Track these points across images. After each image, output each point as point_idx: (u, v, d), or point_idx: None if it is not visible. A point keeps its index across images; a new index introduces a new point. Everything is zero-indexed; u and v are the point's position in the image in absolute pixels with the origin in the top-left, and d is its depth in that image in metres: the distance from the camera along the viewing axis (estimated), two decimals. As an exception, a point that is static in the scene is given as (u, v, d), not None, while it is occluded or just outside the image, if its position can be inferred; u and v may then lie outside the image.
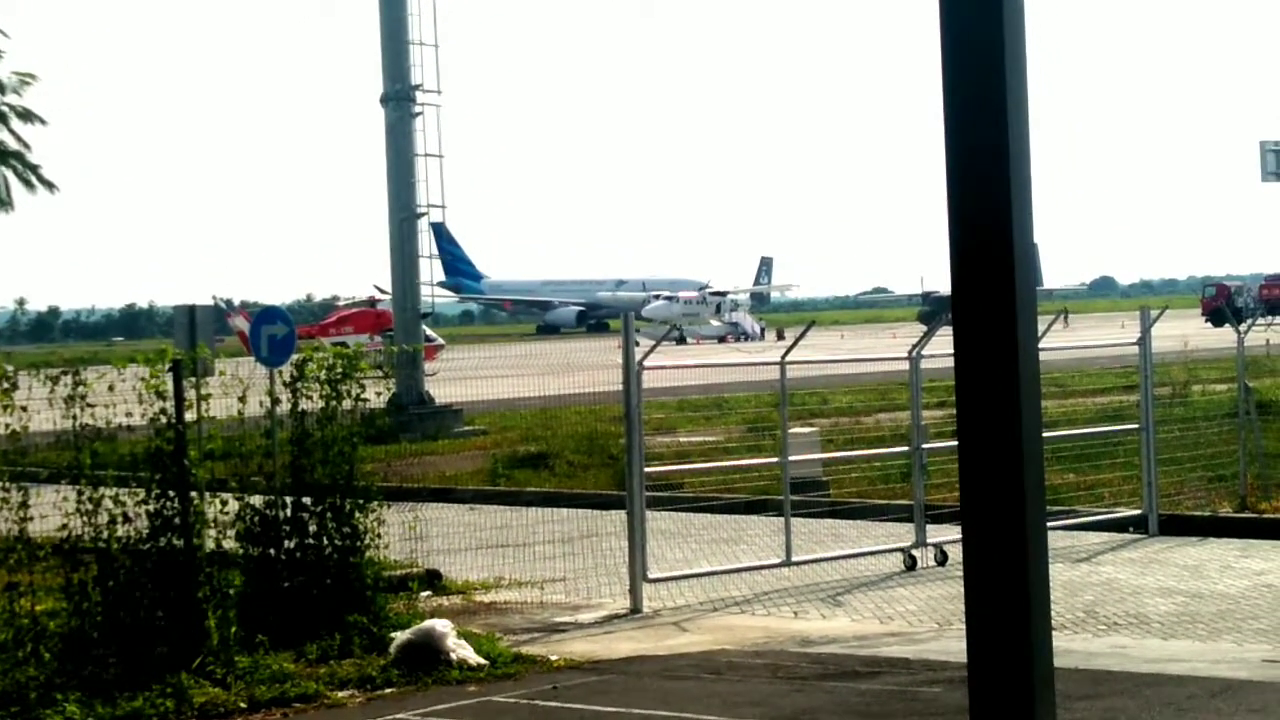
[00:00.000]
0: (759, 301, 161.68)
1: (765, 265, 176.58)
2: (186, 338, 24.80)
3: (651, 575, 19.89)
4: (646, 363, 20.61)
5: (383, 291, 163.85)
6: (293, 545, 17.76)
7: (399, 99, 45.03)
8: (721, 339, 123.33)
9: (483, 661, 16.12)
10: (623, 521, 20.64)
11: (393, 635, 16.54)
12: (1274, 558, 21.20)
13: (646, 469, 20.68)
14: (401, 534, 20.98)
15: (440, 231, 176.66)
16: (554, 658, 16.58)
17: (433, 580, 21.00)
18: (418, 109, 45.14)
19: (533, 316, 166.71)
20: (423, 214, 45.08)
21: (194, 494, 16.44)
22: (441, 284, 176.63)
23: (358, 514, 17.91)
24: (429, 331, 57.18)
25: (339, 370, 18.32)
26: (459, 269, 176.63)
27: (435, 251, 45.56)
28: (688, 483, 27.98)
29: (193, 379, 17.47)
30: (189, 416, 16.93)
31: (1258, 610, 17.72)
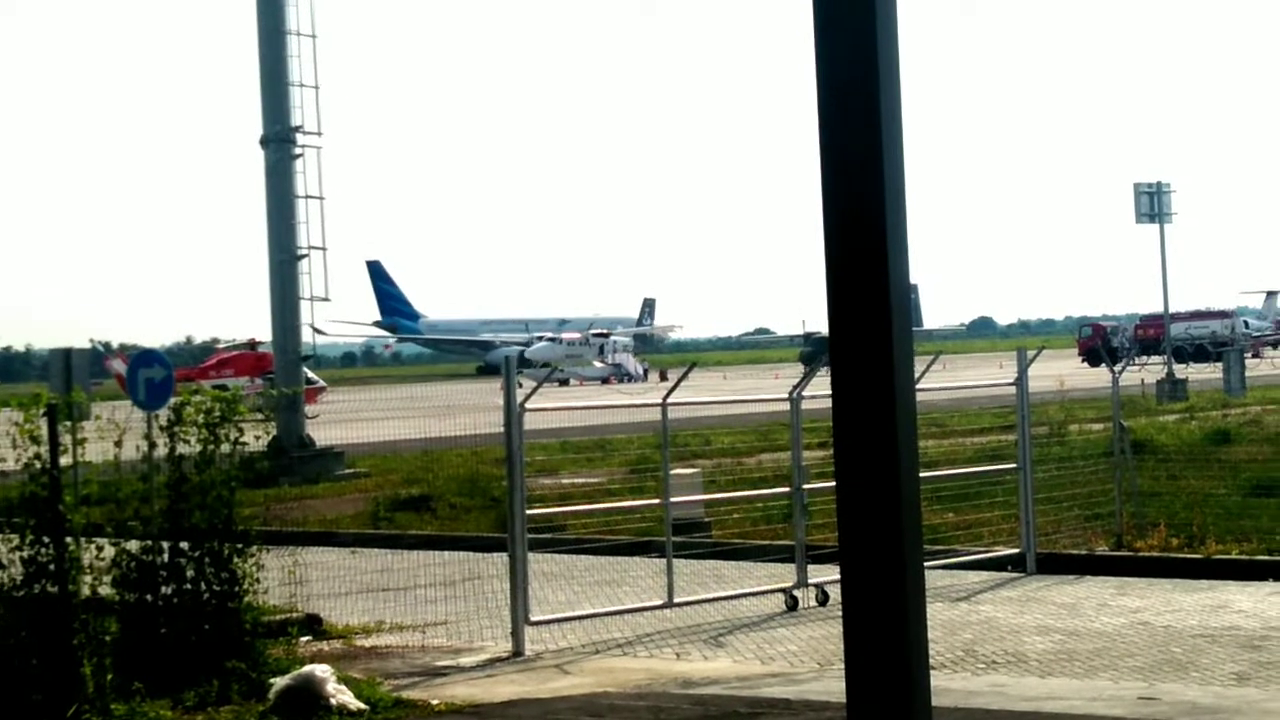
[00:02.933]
0: (642, 343, 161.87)
1: (648, 306, 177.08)
2: (62, 381, 24.55)
3: (533, 618, 19.83)
4: (528, 404, 20.59)
5: (319, 332, 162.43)
6: (170, 591, 17.55)
7: (279, 140, 44.85)
8: (604, 380, 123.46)
9: (363, 707, 15.99)
10: (505, 564, 20.56)
11: (272, 681, 16.37)
12: (1149, 595, 21.44)
13: (528, 511, 20.65)
14: (281, 578, 20.78)
15: (377, 271, 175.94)
16: (435, 702, 16.48)
17: (313, 625, 20.81)
18: (298, 150, 44.98)
19: (473, 357, 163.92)
20: (303, 256, 44.83)
21: (69, 540, 16.20)
22: (378, 323, 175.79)
23: (236, 559, 17.73)
24: (310, 374, 56.77)
25: (217, 414, 18.16)
26: (395, 308, 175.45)
27: (323, 289, 45.12)
28: (570, 524, 27.95)
29: (68, 423, 17.24)
30: (64, 461, 16.70)
31: (1133, 648, 17.91)
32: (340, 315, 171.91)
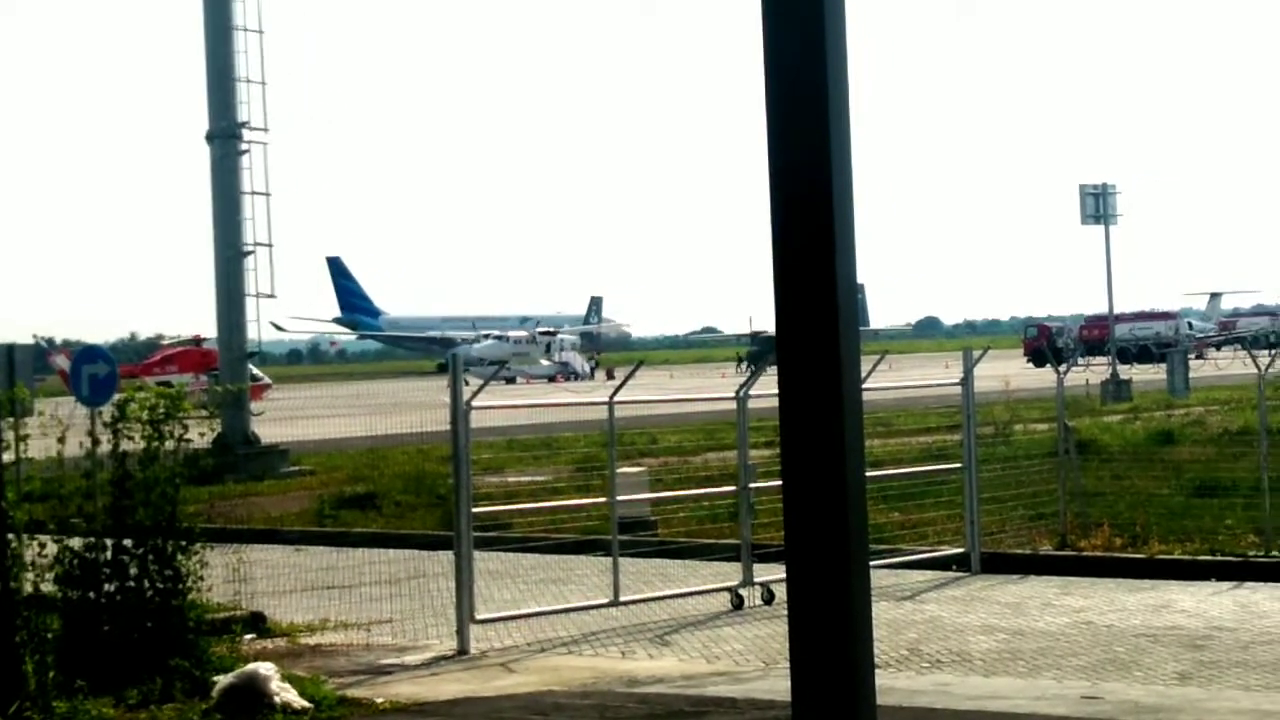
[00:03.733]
0: (590, 341, 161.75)
1: (595, 305, 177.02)
2: (4, 377, 24.33)
3: (479, 616, 19.79)
4: (475, 403, 20.55)
5: (279, 329, 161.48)
6: (113, 588, 17.43)
7: (225, 136, 44.67)
8: (551, 378, 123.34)
9: (307, 705, 15.92)
10: (450, 562, 20.51)
11: (215, 679, 16.29)
12: (1093, 595, 21.55)
13: (474, 509, 20.61)
14: (225, 576, 20.68)
15: (337, 267, 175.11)
16: (379, 700, 16.43)
17: (257, 623, 20.72)
18: (244, 146, 44.79)
19: (434, 354, 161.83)
20: (249, 252, 44.63)
21: (11, 536, 16.09)
22: (337, 320, 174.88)
23: (180, 556, 17.62)
24: (255, 371, 56.55)
25: (162, 410, 18.05)
26: (356, 305, 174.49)
27: (267, 286, 44.91)
28: (516, 523, 27.90)
29: (10, 419, 17.13)
30: (7, 458, 16.58)
31: (1077, 647, 17.99)
32: (301, 312, 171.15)
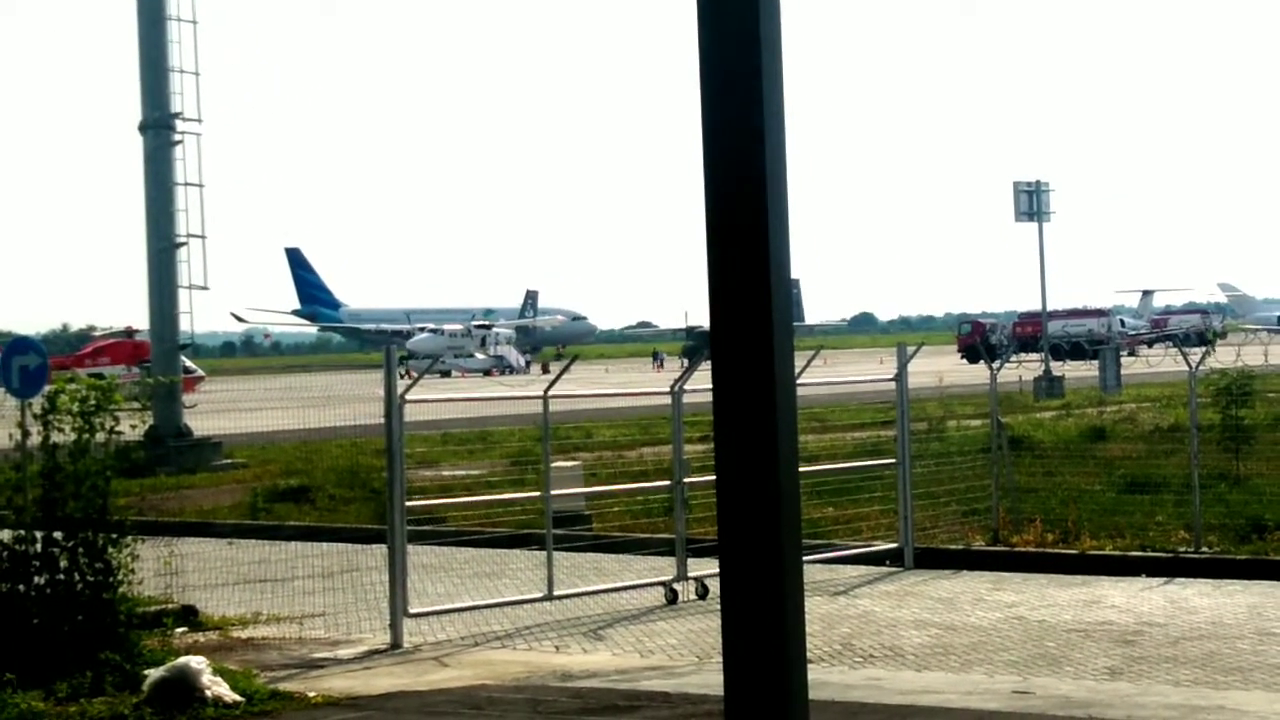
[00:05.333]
0: (525, 335, 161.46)
1: (531, 299, 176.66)
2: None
3: (412, 610, 19.74)
4: (409, 396, 20.49)
5: (239, 319, 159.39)
6: (43, 581, 17.31)
7: (158, 127, 44.37)
8: (486, 372, 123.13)
9: (239, 699, 15.84)
10: (384, 556, 20.44)
11: (146, 672, 16.18)
12: (1025, 590, 21.65)
13: (408, 503, 20.55)
14: (157, 569, 20.56)
15: (296, 258, 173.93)
16: (312, 694, 16.35)
17: (189, 616, 20.61)
18: (178, 137, 44.49)
19: (398, 346, 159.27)
20: (182, 243, 44.35)
21: (-61, 529, 15.96)
22: (296, 312, 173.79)
23: (111, 549, 17.51)
24: (188, 363, 56.21)
25: (93, 402, 17.93)
26: (315, 297, 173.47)
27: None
28: (450, 517, 27.82)
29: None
30: (-65, 449, 16.45)
31: (1008, 642, 18.08)
32: (262, 303, 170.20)
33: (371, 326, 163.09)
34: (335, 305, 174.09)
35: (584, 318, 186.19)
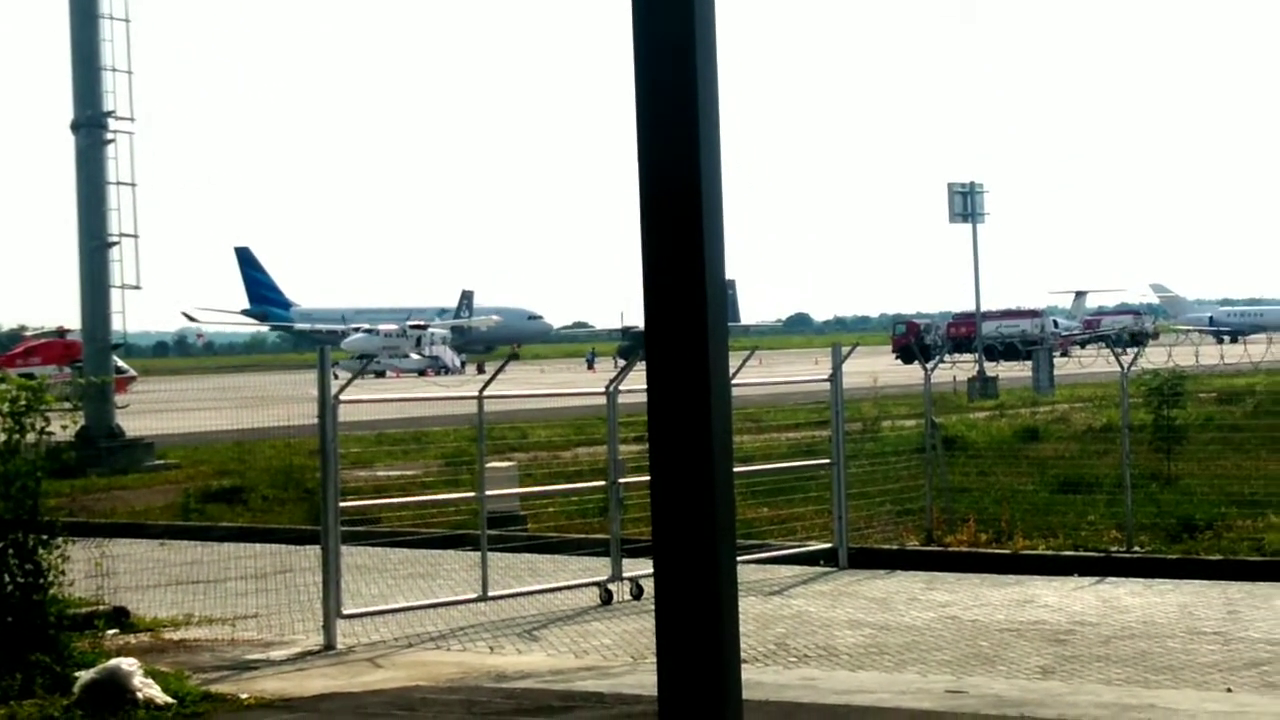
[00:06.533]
0: (459, 335, 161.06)
1: (466, 299, 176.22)
2: None
3: (346, 611, 19.66)
4: (343, 396, 20.41)
5: (190, 319, 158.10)
6: (-28, 583, 17.15)
7: (90, 125, 44.09)
8: (421, 372, 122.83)
9: (171, 700, 15.74)
10: (318, 557, 20.35)
11: (77, 675, 16.06)
12: (958, 590, 21.74)
13: (342, 503, 20.47)
14: (88, 570, 20.42)
15: (245, 257, 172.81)
16: (244, 696, 16.26)
17: (120, 618, 20.46)
18: (110, 136, 44.22)
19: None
20: (114, 243, 44.07)
21: None
22: (246, 312, 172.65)
23: (41, 550, 17.35)
24: (120, 363, 55.84)
25: (23, 402, 17.77)
26: (266, 296, 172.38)
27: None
28: (384, 517, 27.75)
29: None
30: None
31: (942, 641, 18.15)
32: (212, 303, 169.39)
33: (307, 326, 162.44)
34: (286, 305, 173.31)
35: (540, 316, 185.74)
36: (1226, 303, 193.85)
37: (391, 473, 35.32)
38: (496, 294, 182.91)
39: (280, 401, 39.67)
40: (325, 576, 19.47)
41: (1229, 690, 15.29)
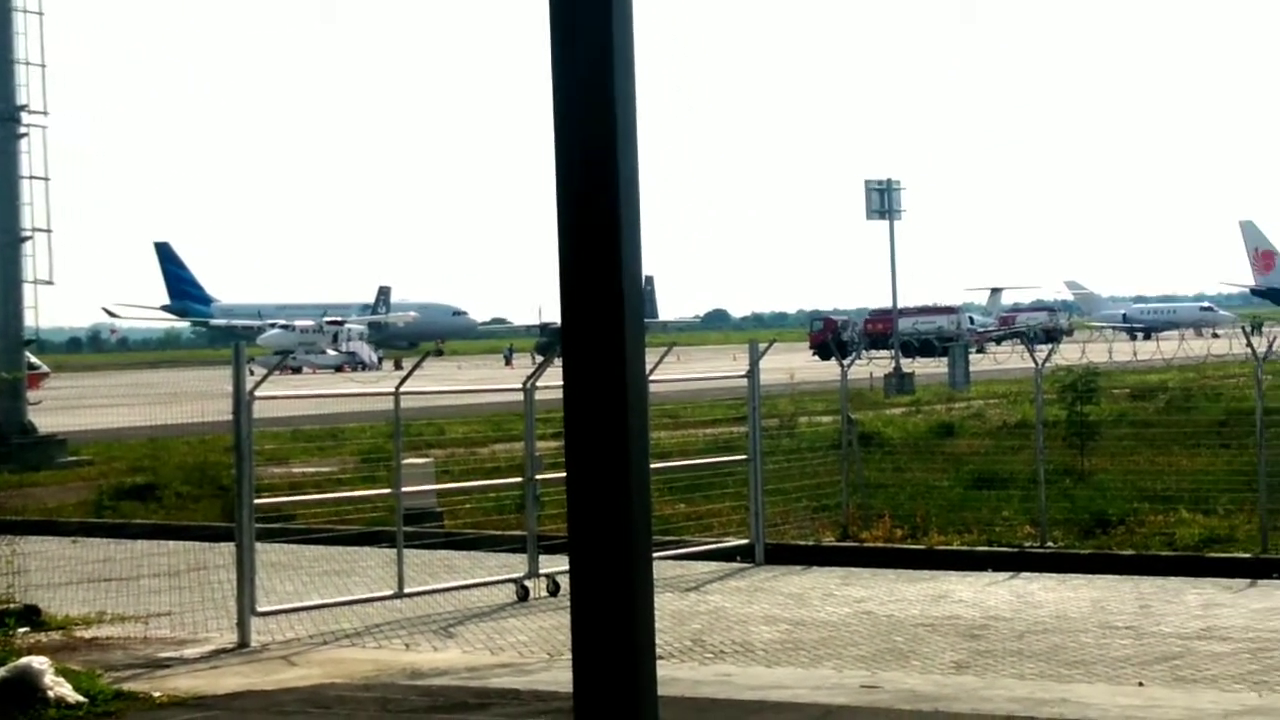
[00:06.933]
0: (376, 331, 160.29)
1: (384, 294, 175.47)
2: None
3: (260, 609, 19.55)
4: (259, 392, 20.27)
5: (111, 314, 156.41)
6: (-120, 581, 16.97)
7: (3, 119, 43.66)
8: (338, 368, 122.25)
9: (82, 699, 15.61)
10: (232, 554, 20.22)
11: (-13, 673, 15.90)
12: (874, 585, 21.83)
13: (257, 500, 20.34)
14: (-1, 568, 20.22)
15: (165, 253, 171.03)
16: (157, 694, 16.15)
17: (31, 616, 20.26)
18: (23, 130, 43.81)
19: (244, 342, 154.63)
20: (27, 238, 43.67)
21: None
22: (166, 308, 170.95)
23: (-49, 548, 17.20)
24: (32, 359, 55.33)
25: (-67, 398, 17.61)
26: (186, 292, 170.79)
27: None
28: (300, 514, 27.59)
29: None
30: None
31: (857, 637, 18.22)
32: (130, 299, 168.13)
33: (224, 322, 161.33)
34: (207, 300, 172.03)
35: (464, 312, 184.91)
36: (1140, 300, 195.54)
37: (307, 469, 35.19)
38: (419, 290, 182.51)
39: (195, 398, 39.36)
40: (239, 574, 19.35)
41: (1141, 684, 15.42)
